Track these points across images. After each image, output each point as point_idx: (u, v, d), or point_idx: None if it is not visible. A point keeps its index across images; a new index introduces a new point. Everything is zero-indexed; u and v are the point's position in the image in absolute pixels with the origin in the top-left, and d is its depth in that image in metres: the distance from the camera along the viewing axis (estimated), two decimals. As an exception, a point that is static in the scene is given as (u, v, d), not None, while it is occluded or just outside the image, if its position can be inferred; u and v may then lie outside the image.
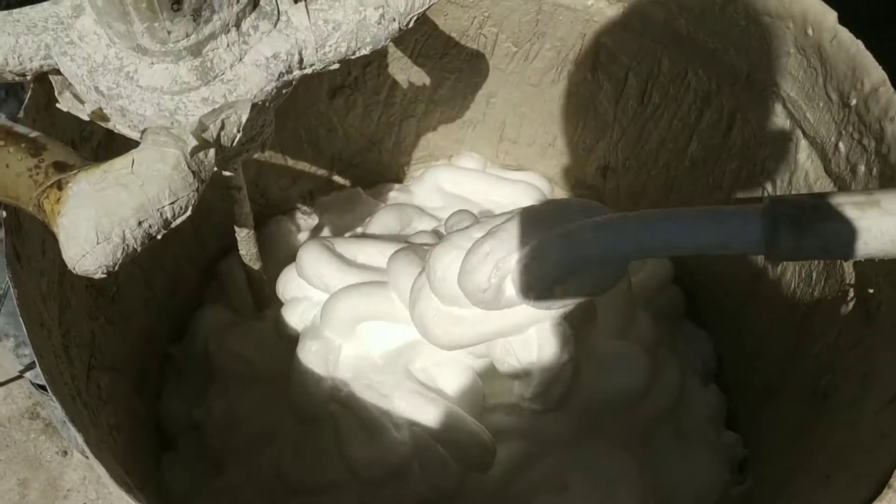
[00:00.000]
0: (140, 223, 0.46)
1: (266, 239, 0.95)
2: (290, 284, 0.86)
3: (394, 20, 0.58)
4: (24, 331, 1.01)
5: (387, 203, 0.99)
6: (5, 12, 0.53)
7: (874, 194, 0.54)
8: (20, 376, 1.18)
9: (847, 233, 0.53)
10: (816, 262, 0.76)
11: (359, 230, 0.94)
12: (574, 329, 0.71)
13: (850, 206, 0.53)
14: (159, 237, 0.48)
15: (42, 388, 1.15)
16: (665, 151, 0.92)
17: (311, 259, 0.82)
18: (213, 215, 0.91)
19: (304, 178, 1.04)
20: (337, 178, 1.06)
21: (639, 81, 0.90)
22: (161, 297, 0.86)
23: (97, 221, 0.45)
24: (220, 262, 0.96)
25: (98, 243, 0.44)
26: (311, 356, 0.79)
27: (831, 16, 0.67)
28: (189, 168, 0.48)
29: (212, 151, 0.50)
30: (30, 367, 1.09)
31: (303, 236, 0.96)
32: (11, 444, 1.20)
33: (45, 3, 0.54)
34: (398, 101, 1.00)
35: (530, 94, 0.99)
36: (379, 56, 0.94)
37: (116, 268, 0.46)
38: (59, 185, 0.45)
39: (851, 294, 0.70)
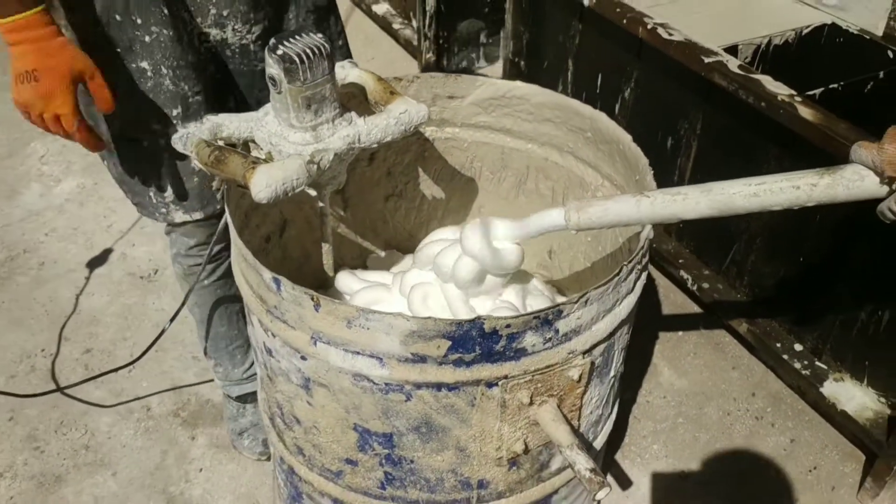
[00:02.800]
0: (283, 183, 1.10)
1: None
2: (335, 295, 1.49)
3: (402, 125, 1.25)
4: (219, 357, 1.65)
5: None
6: (236, 113, 1.24)
7: (615, 196, 1.14)
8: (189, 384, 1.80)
9: (599, 212, 1.13)
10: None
11: (394, 269, 1.57)
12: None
13: (602, 199, 1.14)
14: (287, 195, 1.12)
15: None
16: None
17: (342, 278, 1.46)
18: (312, 262, 1.56)
19: (367, 253, 1.69)
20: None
21: (560, 191, 1.54)
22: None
23: (266, 180, 1.10)
24: (311, 292, 1.59)
25: (266, 187, 1.09)
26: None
27: (627, 137, 1.30)
28: (305, 168, 1.13)
29: (314, 166, 1.16)
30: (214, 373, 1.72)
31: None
32: (160, 430, 1.79)
33: (252, 112, 1.24)
34: (426, 207, 1.67)
35: (503, 205, 1.64)
36: (413, 178, 1.62)
37: (273, 201, 1.10)
38: (253, 167, 1.12)
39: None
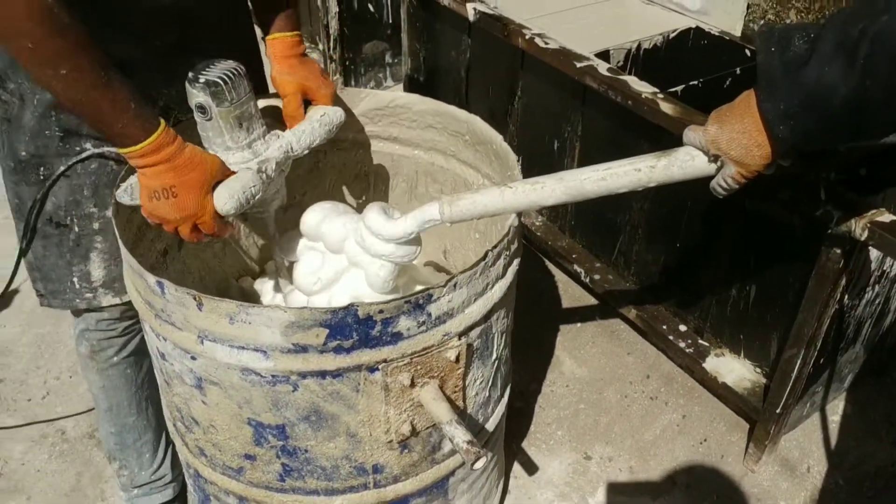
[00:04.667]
0: (243, 192, 1.14)
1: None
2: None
3: (325, 126, 1.31)
4: (125, 456, 1.61)
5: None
6: None
7: (482, 188, 1.23)
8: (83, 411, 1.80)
9: (469, 204, 1.22)
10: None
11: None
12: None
13: (471, 192, 1.22)
14: (248, 204, 1.15)
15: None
16: (469, 230, 1.62)
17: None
18: (215, 274, 1.61)
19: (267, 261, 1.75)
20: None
21: (448, 192, 1.62)
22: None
23: (228, 192, 1.12)
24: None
25: (230, 198, 1.12)
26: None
27: (498, 137, 1.40)
28: (258, 177, 1.17)
29: (264, 174, 1.20)
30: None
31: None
32: (75, 452, 1.80)
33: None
34: (325, 217, 1.74)
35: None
36: (310, 189, 1.69)
37: (236, 212, 1.14)
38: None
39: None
